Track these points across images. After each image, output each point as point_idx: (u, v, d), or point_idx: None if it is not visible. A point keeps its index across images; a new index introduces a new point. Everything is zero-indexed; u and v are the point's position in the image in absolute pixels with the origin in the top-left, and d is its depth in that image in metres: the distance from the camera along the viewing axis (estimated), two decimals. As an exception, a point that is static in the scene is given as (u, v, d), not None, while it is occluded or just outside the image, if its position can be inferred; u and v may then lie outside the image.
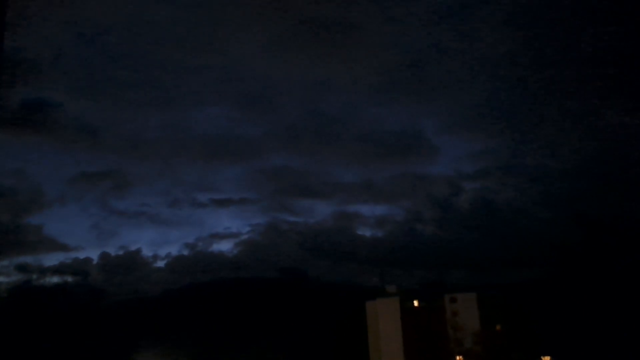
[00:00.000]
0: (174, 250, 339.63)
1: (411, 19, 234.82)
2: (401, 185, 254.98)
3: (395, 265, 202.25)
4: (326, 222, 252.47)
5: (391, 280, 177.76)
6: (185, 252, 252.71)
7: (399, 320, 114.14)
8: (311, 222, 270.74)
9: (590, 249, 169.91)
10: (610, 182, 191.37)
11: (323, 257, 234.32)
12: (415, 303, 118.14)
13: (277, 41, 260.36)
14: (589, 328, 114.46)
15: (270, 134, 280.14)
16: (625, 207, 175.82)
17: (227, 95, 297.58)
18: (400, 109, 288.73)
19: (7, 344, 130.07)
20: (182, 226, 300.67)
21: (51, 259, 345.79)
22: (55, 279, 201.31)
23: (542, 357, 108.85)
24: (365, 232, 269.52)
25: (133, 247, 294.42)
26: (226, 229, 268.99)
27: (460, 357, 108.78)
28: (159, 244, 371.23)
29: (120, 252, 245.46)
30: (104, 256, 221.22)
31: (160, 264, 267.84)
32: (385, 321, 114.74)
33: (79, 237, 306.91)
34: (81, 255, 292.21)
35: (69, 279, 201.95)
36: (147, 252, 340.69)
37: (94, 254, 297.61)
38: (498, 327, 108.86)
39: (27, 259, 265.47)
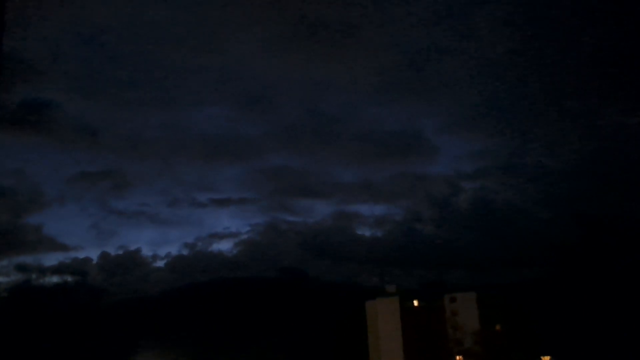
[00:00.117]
0: (173, 250, 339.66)
1: (411, 19, 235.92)
2: (401, 185, 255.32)
3: (394, 265, 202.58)
4: (326, 222, 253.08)
5: (391, 280, 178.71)
6: (185, 252, 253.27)
7: (398, 320, 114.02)
8: (311, 222, 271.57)
9: (590, 249, 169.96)
10: (610, 182, 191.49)
11: (323, 256, 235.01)
12: (415, 303, 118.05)
13: (276, 41, 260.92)
14: (588, 328, 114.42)
15: (270, 134, 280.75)
16: (625, 207, 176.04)
17: (227, 95, 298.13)
18: (399, 108, 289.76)
19: (7, 343, 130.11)
20: (182, 226, 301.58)
21: (51, 259, 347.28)
22: (54, 279, 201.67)
23: (542, 357, 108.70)
24: (365, 232, 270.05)
25: (132, 247, 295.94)
26: (226, 229, 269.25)
27: (460, 356, 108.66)
28: (158, 244, 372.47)
29: (120, 252, 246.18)
30: (104, 256, 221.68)
31: (160, 263, 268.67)
32: (385, 321, 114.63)
33: (79, 237, 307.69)
34: (81, 255, 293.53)
35: (69, 278, 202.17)
36: (146, 252, 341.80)
37: (93, 254, 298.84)
38: (498, 326, 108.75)
39: (27, 258, 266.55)
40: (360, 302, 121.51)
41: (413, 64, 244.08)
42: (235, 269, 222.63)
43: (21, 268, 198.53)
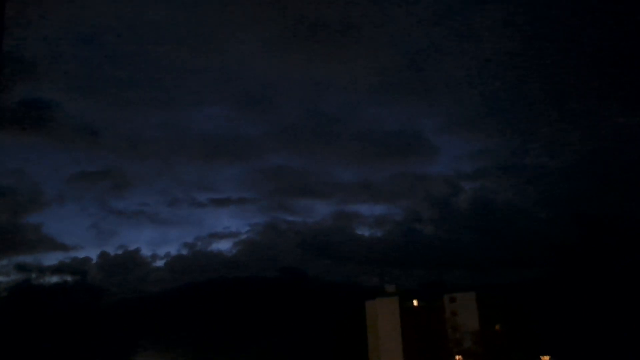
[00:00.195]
0: (173, 249, 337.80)
1: (410, 19, 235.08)
2: (400, 185, 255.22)
3: (394, 265, 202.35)
4: (325, 221, 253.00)
5: (390, 279, 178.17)
6: (185, 252, 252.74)
7: (398, 320, 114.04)
8: (310, 221, 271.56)
9: (589, 249, 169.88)
10: (610, 182, 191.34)
11: (322, 256, 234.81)
12: (415, 303, 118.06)
13: (276, 41, 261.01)
14: (588, 328, 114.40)
15: (270, 134, 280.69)
16: (625, 207, 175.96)
17: (227, 95, 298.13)
18: (399, 108, 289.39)
19: (6, 343, 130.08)
20: (181, 226, 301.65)
21: (50, 259, 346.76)
22: (54, 279, 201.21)
23: (542, 357, 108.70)
24: (365, 231, 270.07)
25: (132, 247, 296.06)
26: (225, 229, 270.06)
27: (460, 356, 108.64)
28: (158, 244, 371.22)
29: (120, 252, 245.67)
30: (103, 255, 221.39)
31: (160, 263, 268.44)
32: (384, 321, 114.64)
33: (78, 237, 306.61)
34: (80, 254, 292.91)
35: (68, 278, 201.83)
36: (146, 252, 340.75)
37: (93, 254, 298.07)
38: (497, 326, 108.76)
39: (26, 258, 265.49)
40: (360, 302, 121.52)
41: (413, 64, 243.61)
42: (235, 269, 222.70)
43: (21, 267, 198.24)
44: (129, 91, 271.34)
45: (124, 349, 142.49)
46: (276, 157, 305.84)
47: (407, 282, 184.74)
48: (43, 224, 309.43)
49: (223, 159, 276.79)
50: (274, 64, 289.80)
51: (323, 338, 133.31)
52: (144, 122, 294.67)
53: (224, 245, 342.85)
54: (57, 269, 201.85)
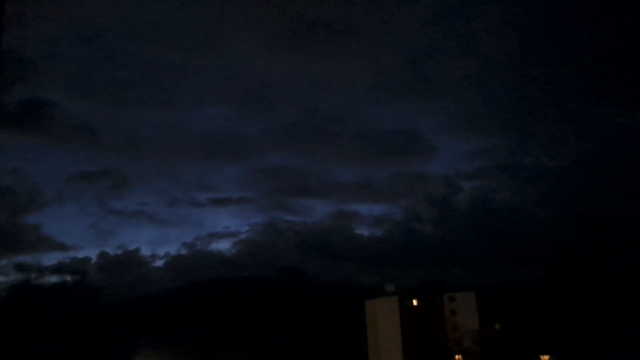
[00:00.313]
0: (172, 249, 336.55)
1: (410, 19, 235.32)
2: (400, 184, 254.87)
3: (394, 265, 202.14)
4: (325, 221, 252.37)
5: (390, 279, 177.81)
6: (184, 252, 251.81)
7: (398, 320, 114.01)
8: (310, 221, 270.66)
9: (589, 248, 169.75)
10: (610, 182, 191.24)
11: (322, 256, 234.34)
12: (414, 302, 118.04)
13: (275, 41, 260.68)
14: (588, 328, 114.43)
15: (269, 134, 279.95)
16: (625, 207, 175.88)
17: (226, 94, 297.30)
18: (399, 108, 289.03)
19: (6, 343, 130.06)
20: (181, 225, 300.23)
21: (50, 259, 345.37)
22: (53, 279, 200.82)
23: (541, 357, 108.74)
24: (364, 231, 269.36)
25: (132, 247, 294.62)
26: (225, 229, 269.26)
27: (459, 356, 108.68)
28: (157, 244, 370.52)
29: (119, 252, 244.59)
30: (103, 255, 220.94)
31: (159, 263, 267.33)
32: (384, 320, 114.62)
33: (78, 237, 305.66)
34: (80, 254, 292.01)
35: (68, 278, 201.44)
36: (145, 252, 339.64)
37: (92, 254, 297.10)
38: (497, 326, 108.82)
39: (26, 258, 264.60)
40: (359, 301, 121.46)
41: (413, 64, 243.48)
42: (235, 269, 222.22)
43: (20, 267, 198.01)
44: (129, 91, 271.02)
45: (123, 349, 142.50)
46: (276, 156, 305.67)
47: (407, 281, 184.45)
48: (42, 224, 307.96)
49: (223, 158, 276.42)
50: (274, 63, 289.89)
51: (323, 338, 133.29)
52: (143, 122, 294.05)
53: (223, 245, 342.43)
54: (57, 269, 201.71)
